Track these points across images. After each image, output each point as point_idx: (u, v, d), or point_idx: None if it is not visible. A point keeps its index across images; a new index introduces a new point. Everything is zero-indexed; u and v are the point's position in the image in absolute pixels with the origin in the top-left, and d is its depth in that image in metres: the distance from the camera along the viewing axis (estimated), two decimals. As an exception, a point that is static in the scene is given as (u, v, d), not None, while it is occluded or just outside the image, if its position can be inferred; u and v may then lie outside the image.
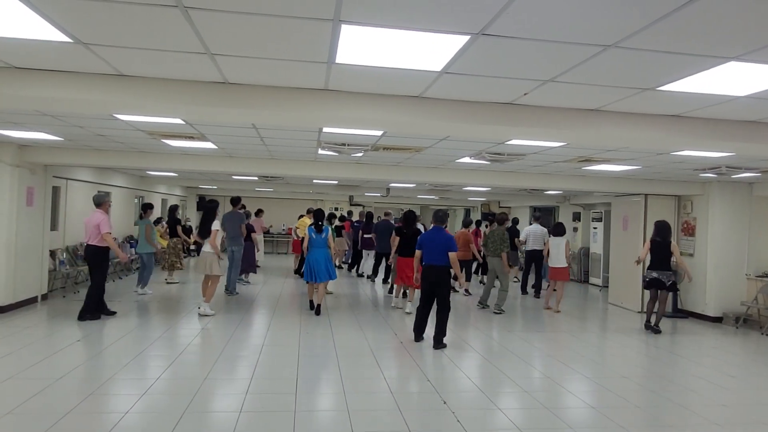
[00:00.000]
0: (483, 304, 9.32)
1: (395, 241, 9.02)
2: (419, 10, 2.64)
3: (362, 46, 3.18)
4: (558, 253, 9.23)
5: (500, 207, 19.32)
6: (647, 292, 8.48)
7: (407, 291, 8.97)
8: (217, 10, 2.72)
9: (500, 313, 8.84)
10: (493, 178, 9.65)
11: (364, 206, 19.82)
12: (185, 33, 3.06)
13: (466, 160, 7.94)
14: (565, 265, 9.24)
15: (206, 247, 7.72)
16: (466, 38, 2.99)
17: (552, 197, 15.00)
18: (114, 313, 7.41)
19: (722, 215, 9.22)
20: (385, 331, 7.31)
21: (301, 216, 12.57)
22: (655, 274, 7.94)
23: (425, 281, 6.49)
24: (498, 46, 3.09)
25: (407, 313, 8.47)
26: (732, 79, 3.55)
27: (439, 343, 6.32)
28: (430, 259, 6.43)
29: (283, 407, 4.28)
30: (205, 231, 7.82)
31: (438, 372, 5.46)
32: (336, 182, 13.59)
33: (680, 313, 9.62)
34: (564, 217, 15.43)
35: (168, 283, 10.74)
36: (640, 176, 9.15)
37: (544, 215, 14.00)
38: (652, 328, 7.89)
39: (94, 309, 7.11)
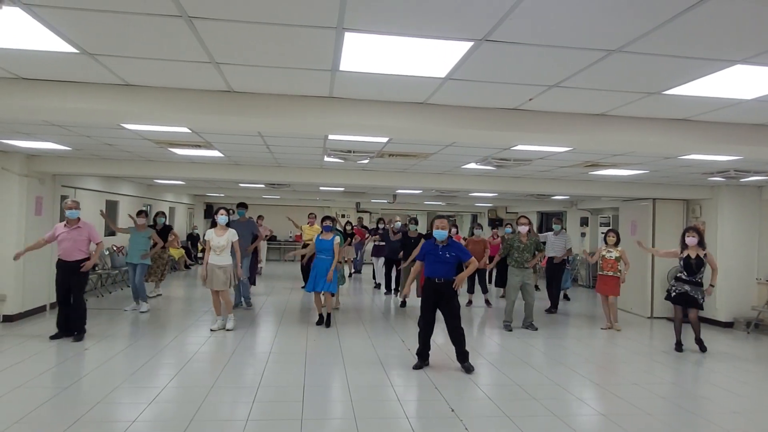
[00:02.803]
0: (509, 325, 8.04)
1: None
2: (422, 17, 2.64)
3: (366, 53, 3.19)
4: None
5: (507, 213, 19.27)
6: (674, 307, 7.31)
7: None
8: (220, 19, 2.74)
9: (536, 330, 7.98)
10: (500, 184, 9.63)
11: (371, 213, 19.83)
12: (190, 42, 3.08)
13: (472, 165, 7.93)
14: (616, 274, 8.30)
15: (218, 260, 7.19)
16: (469, 44, 2.99)
17: (559, 202, 14.94)
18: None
19: (731, 219, 9.13)
20: (393, 338, 7.28)
21: (309, 222, 12.18)
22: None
23: None
24: (502, 52, 3.09)
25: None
26: (738, 83, 3.52)
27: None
28: None
29: (290, 415, 4.27)
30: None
31: (446, 380, 5.42)
32: (342, 189, 13.62)
33: (688, 319, 9.49)
34: (572, 222, 15.36)
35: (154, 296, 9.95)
36: (648, 181, 9.09)
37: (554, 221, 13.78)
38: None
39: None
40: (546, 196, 12.87)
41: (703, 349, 7.06)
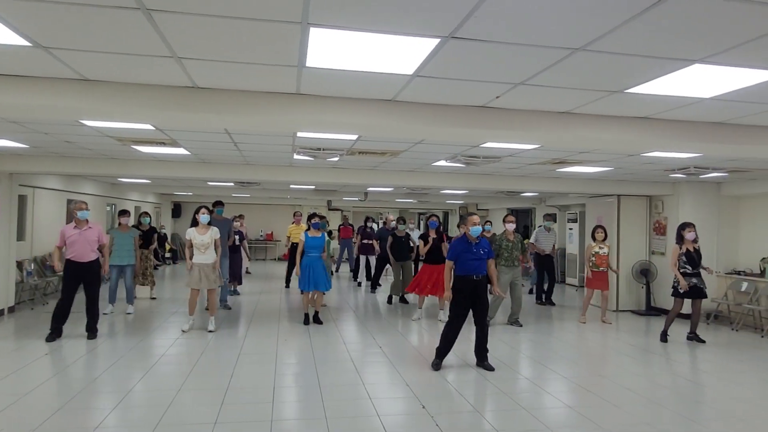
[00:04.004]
0: (489, 321, 8.02)
1: (423, 248, 8.39)
2: (387, 13, 2.62)
3: (332, 49, 3.15)
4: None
5: (478, 209, 19.46)
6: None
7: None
8: (180, 12, 2.65)
9: (521, 326, 8.03)
10: (470, 181, 9.71)
11: (342, 210, 19.75)
12: (149, 36, 2.98)
13: (443, 163, 7.96)
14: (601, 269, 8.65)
15: (204, 258, 7.15)
16: (436, 41, 2.98)
17: (528, 199, 15.16)
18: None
19: (692, 214, 9.39)
20: (365, 336, 7.26)
21: (295, 221, 12.00)
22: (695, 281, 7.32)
23: None
24: (468, 49, 3.09)
25: (441, 321, 8.09)
26: (697, 82, 3.61)
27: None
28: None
29: (259, 417, 4.21)
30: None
31: (417, 377, 5.43)
32: (313, 187, 13.51)
33: (652, 311, 9.79)
34: (540, 218, 15.59)
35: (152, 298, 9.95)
36: (613, 177, 9.30)
37: (522, 217, 13.96)
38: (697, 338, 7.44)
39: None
40: (516, 193, 13.05)
41: (701, 340, 7.38)
